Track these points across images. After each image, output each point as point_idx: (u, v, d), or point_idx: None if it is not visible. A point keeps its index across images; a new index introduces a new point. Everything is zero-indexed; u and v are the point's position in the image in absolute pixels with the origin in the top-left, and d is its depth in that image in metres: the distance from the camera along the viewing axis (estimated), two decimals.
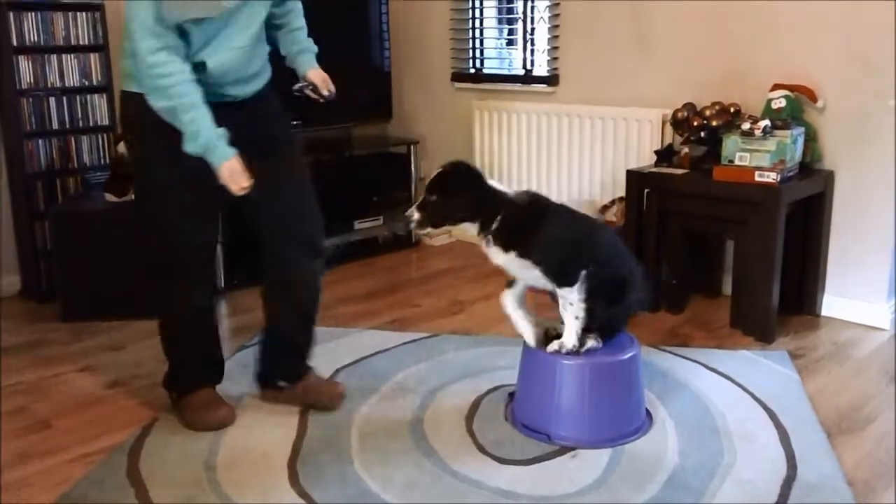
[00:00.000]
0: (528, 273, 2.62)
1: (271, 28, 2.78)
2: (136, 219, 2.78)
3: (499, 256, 2.61)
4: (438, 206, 2.60)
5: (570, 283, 2.57)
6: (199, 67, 2.50)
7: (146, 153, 2.63)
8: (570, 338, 2.63)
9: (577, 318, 2.61)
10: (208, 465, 2.55)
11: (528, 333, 2.73)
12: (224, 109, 2.52)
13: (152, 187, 2.65)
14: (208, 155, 2.44)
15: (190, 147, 2.43)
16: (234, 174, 2.45)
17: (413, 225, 2.63)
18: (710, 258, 4.09)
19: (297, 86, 2.84)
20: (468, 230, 2.63)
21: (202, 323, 2.86)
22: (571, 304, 2.59)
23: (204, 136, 2.42)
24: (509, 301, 2.73)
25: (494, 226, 2.57)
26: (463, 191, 2.59)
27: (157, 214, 2.66)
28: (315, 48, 2.88)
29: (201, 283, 2.81)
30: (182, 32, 2.43)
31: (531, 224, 2.57)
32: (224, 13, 2.47)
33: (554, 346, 2.65)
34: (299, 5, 2.87)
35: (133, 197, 2.72)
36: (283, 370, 2.94)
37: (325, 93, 2.83)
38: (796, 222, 3.63)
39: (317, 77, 2.83)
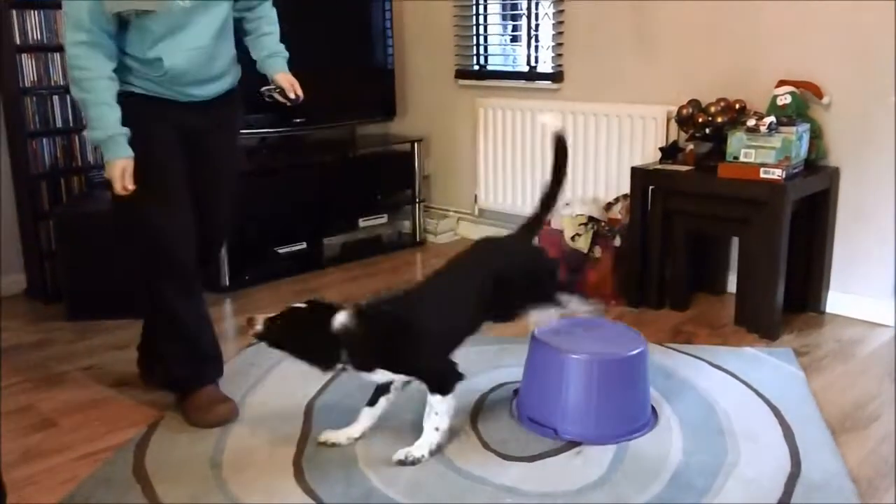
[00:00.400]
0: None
1: (241, 32, 2.83)
2: (118, 220, 2.81)
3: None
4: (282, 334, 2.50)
5: (446, 391, 2.54)
6: (155, 63, 2.54)
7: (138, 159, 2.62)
8: (420, 449, 2.54)
9: (437, 429, 2.55)
10: (214, 463, 2.55)
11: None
12: (181, 108, 2.61)
13: (141, 199, 2.64)
14: (106, 148, 2.53)
15: (92, 135, 2.53)
16: (125, 173, 2.54)
17: (252, 331, 2.50)
18: (714, 255, 4.08)
19: (264, 88, 2.90)
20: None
21: (195, 318, 2.85)
22: (437, 414, 2.53)
23: (106, 129, 2.50)
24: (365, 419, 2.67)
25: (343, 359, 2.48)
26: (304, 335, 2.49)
27: (140, 208, 2.67)
28: (285, 53, 2.93)
29: (188, 276, 2.79)
30: (127, 26, 2.49)
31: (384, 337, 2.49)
32: (177, 11, 2.50)
33: (400, 455, 2.52)
34: (272, 12, 2.91)
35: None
36: None
37: (292, 96, 2.87)
38: (801, 219, 3.62)
39: (284, 81, 2.87)
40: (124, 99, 2.55)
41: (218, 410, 2.80)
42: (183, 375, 2.86)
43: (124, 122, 2.53)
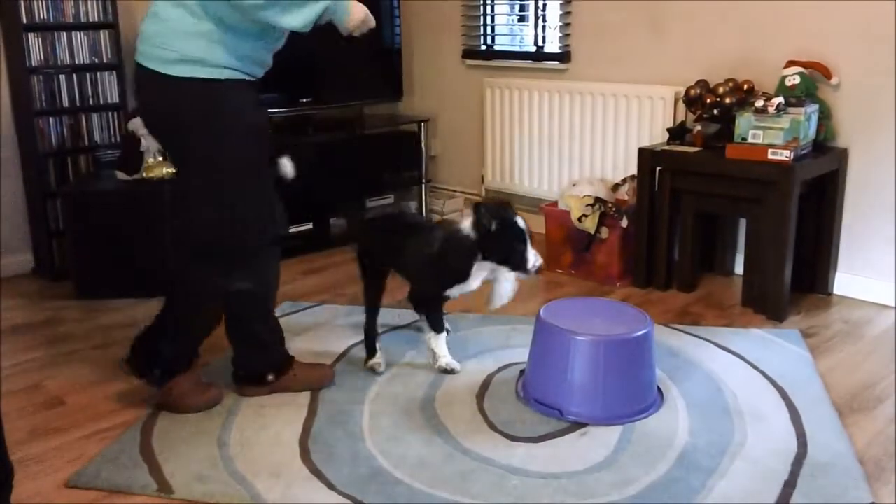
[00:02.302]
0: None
1: None
2: (204, 206, 2.58)
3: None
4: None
5: None
6: (277, 33, 2.51)
7: (228, 140, 2.50)
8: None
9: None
10: (221, 443, 2.56)
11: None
12: (252, 85, 2.54)
13: (238, 173, 2.54)
14: (337, 12, 2.44)
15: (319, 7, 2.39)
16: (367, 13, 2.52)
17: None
18: (722, 237, 4.07)
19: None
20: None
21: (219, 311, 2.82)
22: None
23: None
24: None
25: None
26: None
27: (244, 201, 2.58)
28: None
29: (261, 268, 2.73)
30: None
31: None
32: None
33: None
34: None
35: (196, 182, 2.56)
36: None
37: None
38: (809, 200, 3.61)
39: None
40: (237, 83, 2.48)
41: (210, 393, 2.82)
42: (183, 360, 2.80)
43: (245, 106, 2.50)
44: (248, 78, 2.51)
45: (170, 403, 2.76)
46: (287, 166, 2.87)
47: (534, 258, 2.78)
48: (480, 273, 2.85)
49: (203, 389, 2.81)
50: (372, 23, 2.56)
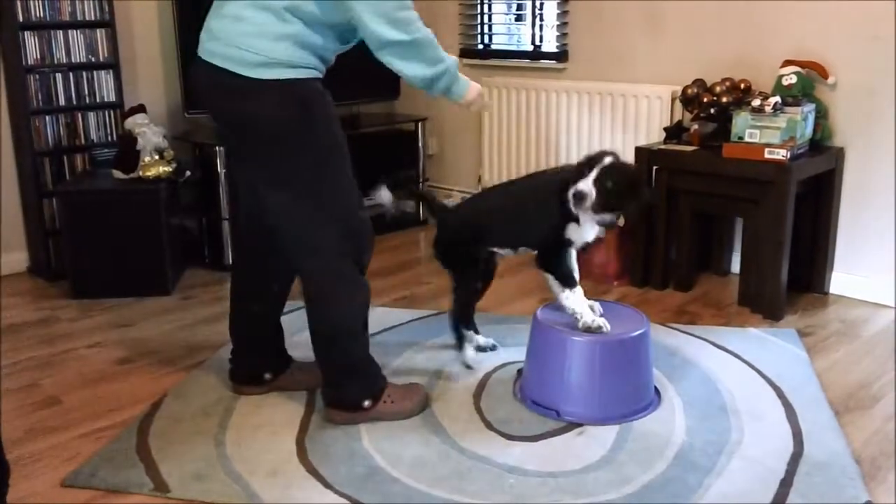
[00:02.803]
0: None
1: None
2: (306, 206, 2.49)
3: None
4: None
5: None
6: (355, 39, 2.53)
7: (324, 142, 2.49)
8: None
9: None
10: (218, 442, 2.56)
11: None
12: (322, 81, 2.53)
13: (338, 180, 2.52)
14: (456, 82, 2.52)
15: (448, 63, 2.47)
16: (481, 94, 2.64)
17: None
18: (718, 236, 4.07)
19: None
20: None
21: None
22: None
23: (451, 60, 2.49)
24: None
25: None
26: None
27: (349, 209, 2.54)
28: None
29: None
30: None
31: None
32: None
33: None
34: None
35: (288, 196, 2.48)
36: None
37: None
38: (806, 200, 3.61)
39: None
40: (316, 80, 2.48)
41: (419, 394, 2.77)
42: (376, 375, 2.74)
43: (327, 98, 2.51)
44: (320, 75, 2.52)
45: (396, 413, 2.69)
46: (385, 196, 3.02)
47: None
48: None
49: (414, 391, 2.77)
50: (485, 104, 2.69)
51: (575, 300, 2.72)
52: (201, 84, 2.47)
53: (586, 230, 2.74)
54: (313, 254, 2.52)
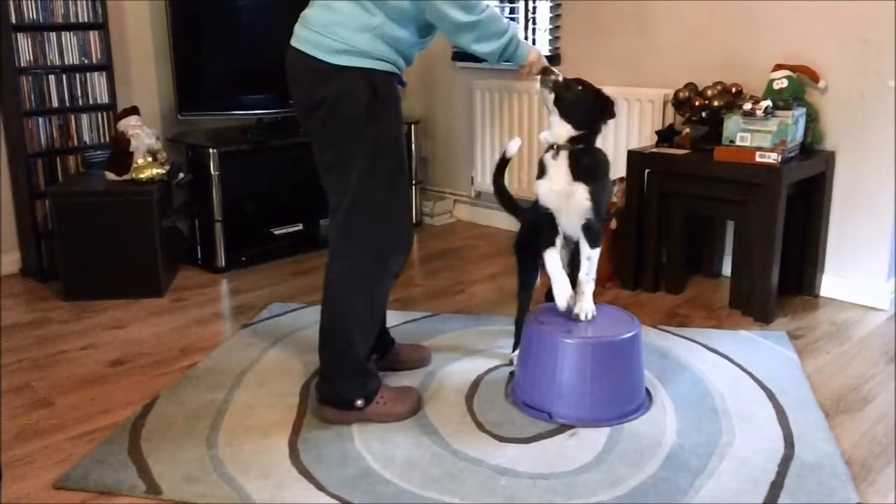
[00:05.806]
0: (570, 218, 2.76)
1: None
2: (369, 209, 2.57)
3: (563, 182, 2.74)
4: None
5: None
6: (433, 36, 2.67)
7: (385, 136, 2.57)
8: (590, 304, 2.79)
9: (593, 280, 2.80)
10: (210, 443, 2.56)
11: (563, 295, 2.77)
12: (396, 77, 2.62)
13: (387, 178, 2.58)
14: (520, 46, 2.69)
15: (511, 33, 2.63)
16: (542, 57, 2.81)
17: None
18: (710, 239, 4.09)
19: None
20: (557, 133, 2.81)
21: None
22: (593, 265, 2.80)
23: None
24: (555, 259, 2.81)
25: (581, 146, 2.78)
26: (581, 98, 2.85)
27: (393, 210, 2.62)
28: None
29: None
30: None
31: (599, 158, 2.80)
32: None
33: (580, 315, 2.76)
34: None
35: (357, 185, 2.55)
36: None
37: None
38: (797, 203, 3.63)
39: None
40: (389, 74, 2.55)
41: (412, 397, 2.77)
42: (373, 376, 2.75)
43: (396, 93, 2.60)
44: (396, 71, 2.59)
45: (388, 416, 2.70)
46: (514, 145, 3.14)
47: None
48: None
49: (407, 394, 2.78)
50: (544, 64, 2.82)
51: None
52: (290, 70, 2.58)
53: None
54: (346, 240, 2.61)
